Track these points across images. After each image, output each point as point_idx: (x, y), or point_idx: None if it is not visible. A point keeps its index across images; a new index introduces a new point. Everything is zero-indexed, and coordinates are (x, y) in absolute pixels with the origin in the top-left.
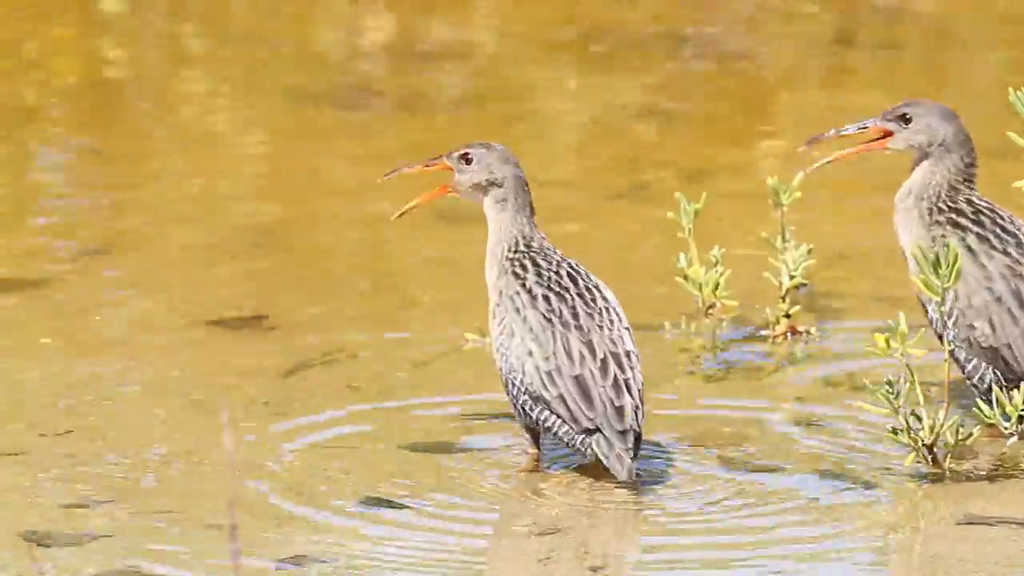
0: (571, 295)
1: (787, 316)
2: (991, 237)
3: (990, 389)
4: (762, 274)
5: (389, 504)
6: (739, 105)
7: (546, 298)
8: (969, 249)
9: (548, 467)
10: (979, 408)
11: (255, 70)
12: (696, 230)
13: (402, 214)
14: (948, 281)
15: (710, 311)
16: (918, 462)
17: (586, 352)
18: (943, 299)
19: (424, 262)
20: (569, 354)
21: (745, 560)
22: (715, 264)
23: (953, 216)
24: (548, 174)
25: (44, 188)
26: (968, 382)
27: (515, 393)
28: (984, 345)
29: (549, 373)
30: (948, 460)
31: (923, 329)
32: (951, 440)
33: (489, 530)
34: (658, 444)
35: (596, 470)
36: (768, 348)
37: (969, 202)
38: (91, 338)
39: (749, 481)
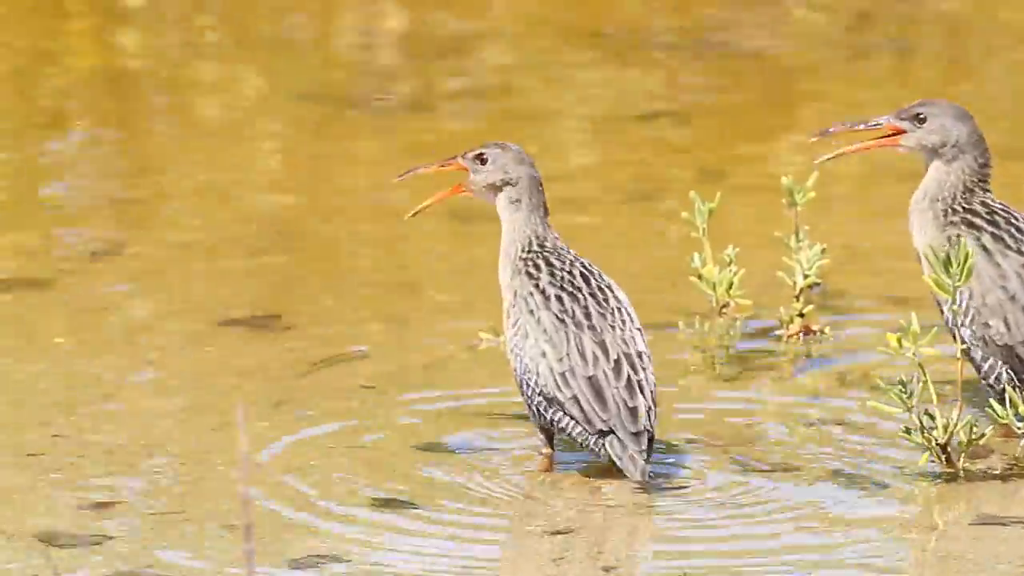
0: (583, 295)
1: (801, 315)
2: (1005, 236)
3: (1005, 389)
4: (776, 273)
5: (402, 504)
6: (756, 102)
7: (559, 298)
8: (984, 248)
9: (562, 467)
10: (992, 408)
11: (273, 67)
12: (711, 228)
13: (416, 213)
14: (959, 280)
15: (724, 310)
16: (932, 462)
17: (599, 353)
18: (955, 298)
19: (438, 261)
20: (583, 355)
21: (758, 561)
22: (729, 263)
23: (968, 216)
24: (562, 171)
25: (55, 179)
26: (983, 383)
27: (529, 394)
28: (999, 343)
29: (563, 374)
30: (962, 460)
31: (935, 328)
32: (964, 439)
33: (503, 530)
34: (671, 444)
35: (610, 470)
36: (782, 347)
37: (984, 204)
38: (104, 337)
39: (761, 481)
